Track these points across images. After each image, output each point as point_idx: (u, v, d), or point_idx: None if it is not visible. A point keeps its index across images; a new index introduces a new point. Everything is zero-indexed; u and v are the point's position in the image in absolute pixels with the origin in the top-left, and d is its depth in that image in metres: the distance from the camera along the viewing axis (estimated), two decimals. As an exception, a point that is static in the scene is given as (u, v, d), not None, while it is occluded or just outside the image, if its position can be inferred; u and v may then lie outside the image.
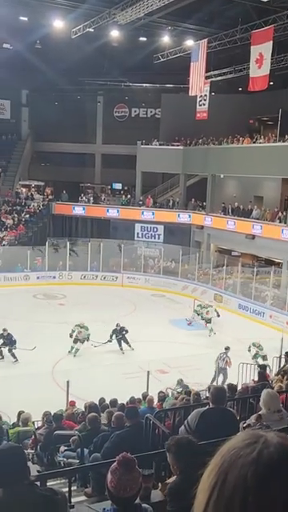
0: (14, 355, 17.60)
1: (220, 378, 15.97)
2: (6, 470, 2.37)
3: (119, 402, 10.17)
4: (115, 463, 2.53)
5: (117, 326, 18.99)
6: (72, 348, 18.49)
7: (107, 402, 10.76)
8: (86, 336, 18.66)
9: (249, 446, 0.85)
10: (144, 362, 15.46)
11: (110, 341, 18.77)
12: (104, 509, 2.56)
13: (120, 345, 18.88)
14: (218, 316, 22.06)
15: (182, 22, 26.33)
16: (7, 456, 2.44)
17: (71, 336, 18.58)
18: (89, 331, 18.69)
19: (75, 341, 18.56)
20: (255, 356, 16.86)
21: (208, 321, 21.82)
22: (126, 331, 18.85)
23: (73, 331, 18.66)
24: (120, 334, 18.84)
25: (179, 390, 12.63)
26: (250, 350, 17.13)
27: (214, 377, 16.06)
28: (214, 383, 14.64)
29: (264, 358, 16.50)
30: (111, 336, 18.79)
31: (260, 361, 16.19)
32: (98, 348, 18.71)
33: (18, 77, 34.44)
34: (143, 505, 2.71)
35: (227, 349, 16.46)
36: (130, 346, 18.88)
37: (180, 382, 13.84)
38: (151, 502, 3.30)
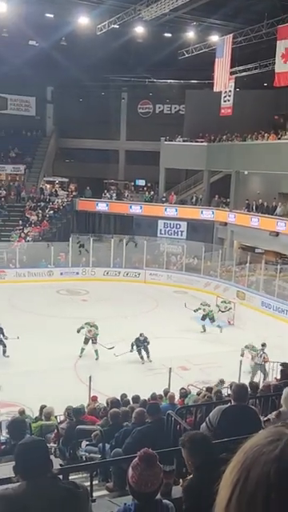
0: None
1: (258, 375, 15.79)
2: (29, 463, 2.40)
3: (141, 398, 10.20)
4: (136, 459, 2.55)
5: (140, 335, 17.75)
6: (82, 350, 17.76)
7: (129, 397, 10.81)
8: (95, 336, 17.82)
9: (271, 444, 0.86)
10: (166, 359, 15.49)
11: (131, 350, 17.57)
12: (125, 504, 2.58)
13: (140, 353, 17.75)
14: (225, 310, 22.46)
15: (207, 18, 26.17)
16: (30, 449, 2.48)
17: (78, 331, 17.85)
18: (98, 331, 17.87)
19: (86, 341, 17.85)
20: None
21: (224, 310, 22.19)
22: (148, 342, 17.71)
23: (82, 328, 17.95)
24: (142, 344, 17.74)
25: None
26: (242, 355, 16.59)
27: (253, 374, 15.88)
28: (256, 379, 14.44)
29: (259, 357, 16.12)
30: (132, 346, 17.74)
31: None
32: (119, 344, 18.77)
33: (44, 74, 34.68)
34: (164, 501, 2.72)
35: (264, 345, 16.21)
36: (149, 357, 17.62)
37: (220, 384, 13.63)
38: (172, 498, 3.31)
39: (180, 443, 3.24)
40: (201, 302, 22.05)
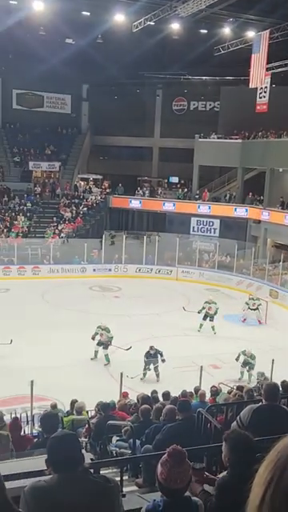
0: None
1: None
2: (61, 456, 2.44)
3: (171, 395, 10.22)
4: (165, 455, 2.57)
5: (151, 349, 16.02)
6: (106, 356, 17.13)
7: (159, 394, 10.85)
8: (109, 339, 17.26)
9: None
10: (197, 357, 15.45)
11: (148, 368, 15.99)
12: (154, 500, 2.60)
13: (145, 368, 15.96)
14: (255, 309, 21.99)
15: (244, 13, 25.87)
16: (62, 442, 2.52)
17: (93, 338, 17.31)
18: (111, 334, 17.27)
19: (99, 343, 17.36)
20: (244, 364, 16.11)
21: (255, 309, 21.79)
22: (161, 355, 15.92)
23: (96, 334, 17.39)
24: (152, 358, 15.99)
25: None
26: (237, 359, 16.20)
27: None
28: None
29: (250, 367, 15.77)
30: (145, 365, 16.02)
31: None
32: (151, 341, 18.82)
33: (79, 71, 34.95)
34: (193, 498, 2.73)
35: None
36: (158, 376, 15.91)
37: (261, 376, 13.56)
38: (201, 495, 3.32)
39: (223, 437, 3.24)
40: (206, 300, 21.15)
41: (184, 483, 2.54)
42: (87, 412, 10.77)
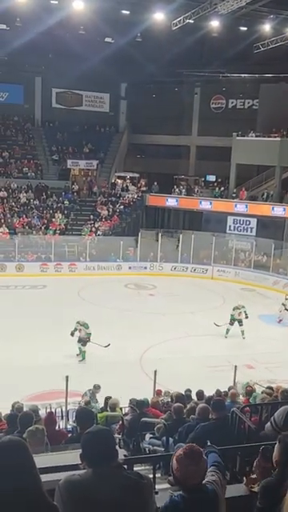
0: None
1: None
2: (95, 451, 2.48)
3: (206, 395, 10.19)
4: (181, 452, 2.57)
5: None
6: (80, 350, 16.96)
7: (193, 393, 10.83)
8: (87, 335, 16.92)
9: None
10: (232, 356, 15.35)
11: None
12: (171, 496, 2.61)
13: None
14: None
15: (285, 10, 25.49)
16: (97, 438, 2.55)
17: (72, 335, 16.96)
18: (89, 330, 16.92)
19: (79, 341, 16.99)
20: None
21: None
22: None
23: (75, 329, 17.04)
24: None
25: None
26: None
27: None
28: None
29: None
30: None
31: None
32: (185, 339, 18.77)
33: (118, 70, 35.08)
34: (207, 485, 2.69)
35: None
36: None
37: None
38: (237, 495, 3.33)
39: (278, 438, 3.23)
40: (234, 306, 20.09)
41: (200, 479, 2.55)
42: (121, 409, 10.85)
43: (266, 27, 27.80)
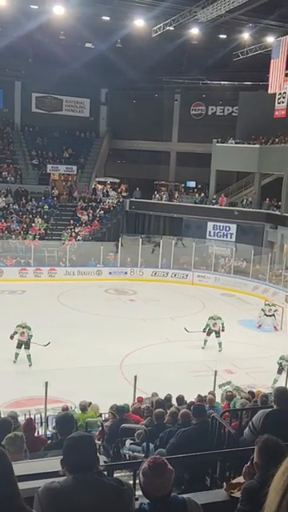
0: None
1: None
2: (77, 457, 2.45)
3: (186, 400, 10.20)
4: (146, 465, 2.53)
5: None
6: (16, 355, 16.48)
7: (173, 398, 10.82)
8: (29, 337, 16.52)
9: None
10: (211, 362, 15.40)
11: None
12: (141, 504, 2.59)
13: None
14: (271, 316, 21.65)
15: (263, 19, 25.86)
16: (79, 444, 2.53)
17: (12, 338, 16.45)
18: (31, 331, 16.56)
19: (19, 345, 16.50)
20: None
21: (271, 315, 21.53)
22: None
23: (15, 333, 16.52)
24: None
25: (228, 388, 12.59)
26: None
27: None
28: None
29: None
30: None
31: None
32: (165, 345, 18.78)
33: (99, 76, 35.18)
34: (180, 496, 2.68)
35: None
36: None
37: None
38: (216, 501, 3.32)
39: (255, 441, 3.24)
40: (210, 315, 19.78)
41: (167, 490, 2.51)
42: (101, 415, 10.79)
43: (245, 35, 28.16)
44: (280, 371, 15.75)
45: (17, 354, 16.51)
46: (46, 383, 11.24)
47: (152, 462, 2.51)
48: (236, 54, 29.52)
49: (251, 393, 10.38)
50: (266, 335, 21.28)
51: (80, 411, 10.49)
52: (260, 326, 22.12)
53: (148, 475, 2.47)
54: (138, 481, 5.96)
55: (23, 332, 16.49)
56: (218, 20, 25.24)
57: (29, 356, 16.50)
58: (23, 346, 16.51)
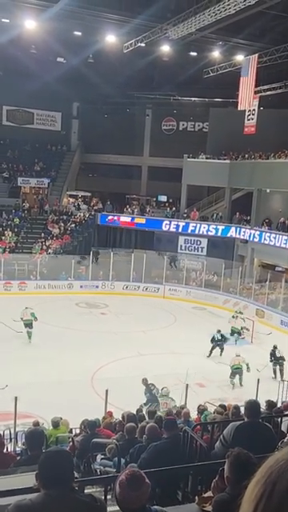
0: None
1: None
2: (52, 473, 2.41)
3: (158, 414, 10.17)
4: (123, 477, 2.53)
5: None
6: (28, 334, 20.10)
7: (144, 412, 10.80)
8: (33, 317, 20.30)
9: None
10: (183, 375, 15.42)
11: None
12: None
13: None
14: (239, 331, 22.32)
15: (233, 37, 26.41)
16: (56, 459, 2.50)
17: (22, 319, 20.22)
18: (33, 310, 20.50)
19: (25, 325, 20.13)
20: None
21: (238, 331, 22.04)
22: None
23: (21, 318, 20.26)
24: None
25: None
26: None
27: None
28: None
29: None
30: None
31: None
32: (137, 358, 18.75)
33: (70, 90, 35.23)
34: (154, 507, 2.69)
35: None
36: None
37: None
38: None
39: (226, 454, 3.25)
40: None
41: (142, 503, 2.51)
42: (72, 430, 10.68)
43: (216, 53, 28.70)
44: (234, 374, 17.26)
45: (28, 333, 20.18)
46: (16, 398, 11.08)
47: (130, 475, 2.49)
48: (206, 71, 30.03)
49: (223, 406, 10.42)
50: (238, 348, 21.38)
51: (52, 427, 10.35)
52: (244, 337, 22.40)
53: (124, 487, 2.46)
54: (109, 496, 5.93)
55: (26, 312, 20.37)
56: (189, 38, 25.65)
57: (30, 333, 20.09)
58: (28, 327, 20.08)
